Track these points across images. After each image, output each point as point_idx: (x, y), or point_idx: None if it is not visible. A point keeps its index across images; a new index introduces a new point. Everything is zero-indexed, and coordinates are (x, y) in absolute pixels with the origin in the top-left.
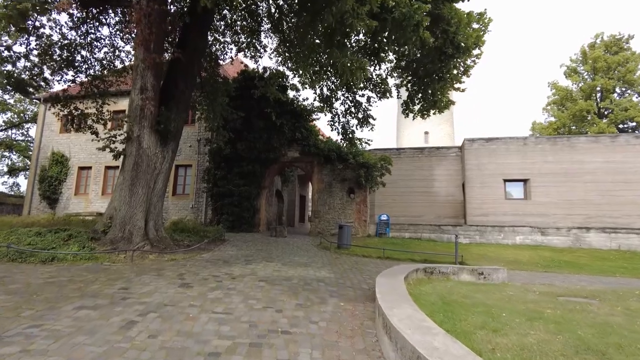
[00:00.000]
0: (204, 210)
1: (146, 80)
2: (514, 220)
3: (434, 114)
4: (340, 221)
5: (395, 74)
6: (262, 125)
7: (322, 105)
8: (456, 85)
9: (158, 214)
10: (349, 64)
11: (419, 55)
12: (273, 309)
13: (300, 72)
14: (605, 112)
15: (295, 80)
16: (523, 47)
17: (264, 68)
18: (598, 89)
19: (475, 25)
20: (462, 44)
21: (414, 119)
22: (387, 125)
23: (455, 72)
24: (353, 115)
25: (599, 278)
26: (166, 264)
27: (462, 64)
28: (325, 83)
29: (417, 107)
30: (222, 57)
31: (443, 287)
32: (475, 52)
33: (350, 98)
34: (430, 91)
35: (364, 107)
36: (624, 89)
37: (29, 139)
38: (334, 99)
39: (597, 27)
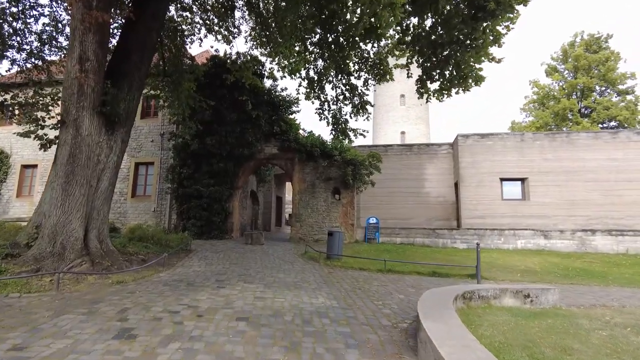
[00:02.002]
0: (167, 214)
1: (87, 46)
2: (512, 222)
3: (457, 93)
4: (325, 225)
5: (397, 52)
6: (235, 117)
7: (308, 90)
8: (491, 53)
9: (103, 220)
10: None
11: (447, 10)
12: None
13: (281, 54)
14: (586, 112)
15: (274, 67)
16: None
17: (237, 53)
18: (579, 87)
19: None
20: None
21: (427, 100)
22: (362, 125)
23: (491, 37)
24: (348, 101)
25: (634, 291)
26: (108, 290)
27: (495, 29)
28: (312, 65)
29: (434, 86)
30: (189, 38)
31: (504, 325)
32: (518, 7)
33: (344, 81)
34: (454, 63)
35: (359, 91)
36: (604, 88)
37: None
38: (325, 81)
39: (574, 26)
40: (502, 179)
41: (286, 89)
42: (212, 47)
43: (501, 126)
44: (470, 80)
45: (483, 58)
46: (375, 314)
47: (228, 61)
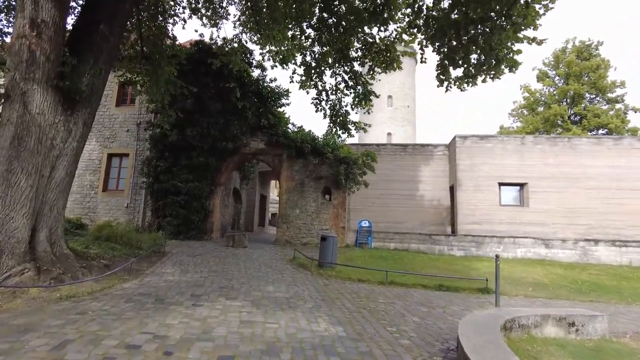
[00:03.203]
0: (142, 211)
1: (40, 5)
2: (510, 229)
3: (483, 81)
4: (314, 227)
5: (407, 36)
6: (220, 107)
7: (304, 78)
8: (530, 34)
9: (57, 217)
10: None
11: None
12: None
13: (273, 40)
14: (576, 119)
15: (265, 55)
16: None
17: (224, 39)
18: (570, 94)
19: None
20: None
21: (447, 90)
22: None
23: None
24: (351, 90)
25: None
26: (52, 309)
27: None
28: (308, 51)
29: (457, 73)
30: (171, 19)
31: None
32: None
33: (347, 68)
34: (483, 46)
35: (363, 79)
36: (593, 96)
37: None
38: (324, 67)
39: (561, 33)
40: (500, 184)
41: (275, 79)
42: (196, 30)
43: (488, 131)
44: (502, 66)
45: (522, 39)
46: (393, 347)
47: (214, 46)
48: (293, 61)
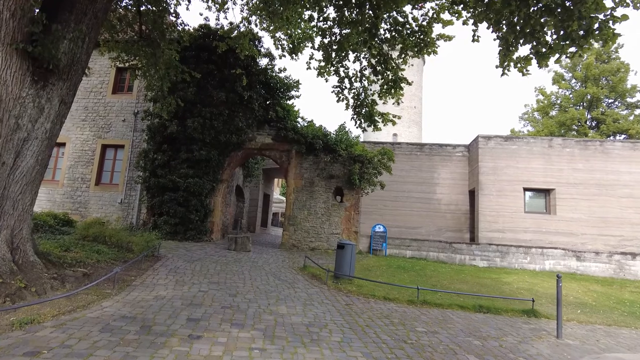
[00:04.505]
0: (136, 208)
1: None
2: (535, 239)
3: (557, 61)
4: (324, 231)
5: (446, 15)
6: (224, 97)
7: (323, 64)
8: None
9: (22, 216)
10: None
11: None
12: None
13: (288, 23)
14: (594, 123)
15: (277, 40)
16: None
17: (231, 23)
18: (588, 97)
19: None
20: None
21: (503, 73)
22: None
23: None
24: (379, 76)
25: None
26: None
27: None
28: (328, 33)
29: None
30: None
31: None
32: None
33: (375, 51)
34: (566, 13)
35: (393, 63)
36: (611, 100)
37: None
38: (347, 50)
39: None
40: (525, 189)
41: (285, 69)
42: (201, 14)
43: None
44: (592, 39)
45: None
46: None
47: (219, 31)
48: (310, 44)
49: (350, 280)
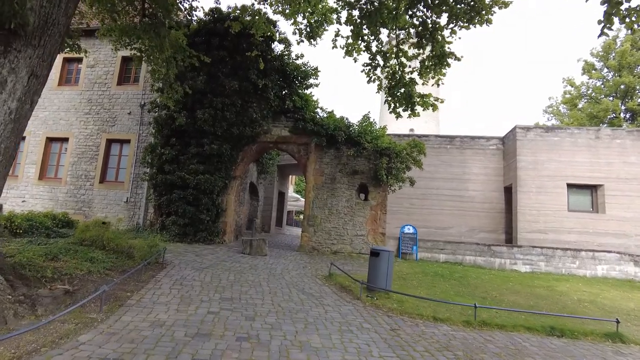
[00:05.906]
0: (143, 207)
1: None
2: (580, 240)
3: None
4: (347, 232)
5: None
6: (237, 86)
7: (351, 41)
8: None
9: None
10: None
11: None
12: None
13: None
14: (628, 115)
15: (288, 27)
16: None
17: (244, 7)
18: (623, 87)
19: None
20: None
21: (602, 33)
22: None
23: None
24: (422, 50)
25: None
26: None
27: None
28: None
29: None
30: None
31: None
32: None
33: (420, 19)
34: None
35: (439, 35)
36: None
37: None
38: (386, 21)
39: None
40: (569, 185)
41: (302, 55)
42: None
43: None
44: None
45: None
46: None
47: (232, 14)
48: (335, 18)
49: (387, 294)
